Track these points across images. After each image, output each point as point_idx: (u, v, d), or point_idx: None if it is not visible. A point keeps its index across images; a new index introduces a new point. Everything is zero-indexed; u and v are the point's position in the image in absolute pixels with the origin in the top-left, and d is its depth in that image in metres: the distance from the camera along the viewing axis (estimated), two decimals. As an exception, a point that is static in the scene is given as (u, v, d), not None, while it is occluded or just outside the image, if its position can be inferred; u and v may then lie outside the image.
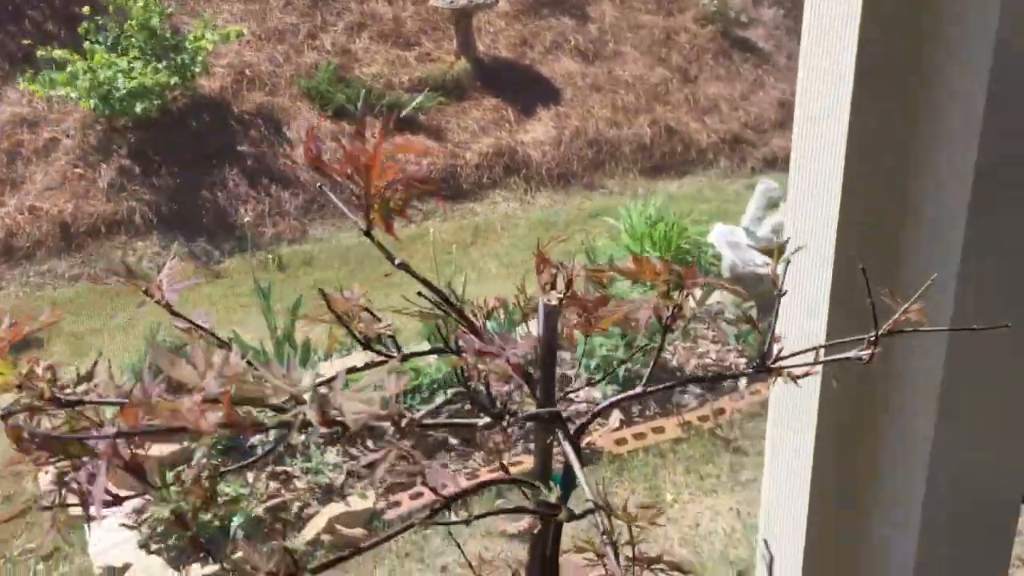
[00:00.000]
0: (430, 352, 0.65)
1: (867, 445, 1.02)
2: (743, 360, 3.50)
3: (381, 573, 2.81)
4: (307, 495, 3.03)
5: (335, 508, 2.98)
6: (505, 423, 0.59)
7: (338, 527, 2.92)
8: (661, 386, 0.63)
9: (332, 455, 3.11)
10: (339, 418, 0.46)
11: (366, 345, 0.64)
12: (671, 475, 3.09)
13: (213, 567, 2.81)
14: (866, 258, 0.96)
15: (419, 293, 0.69)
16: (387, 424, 0.50)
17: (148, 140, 7.45)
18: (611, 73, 9.61)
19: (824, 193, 0.95)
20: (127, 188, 7.12)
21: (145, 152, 7.41)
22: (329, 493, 3.06)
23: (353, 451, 3.10)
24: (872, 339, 0.55)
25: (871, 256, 0.92)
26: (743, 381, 3.45)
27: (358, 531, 2.92)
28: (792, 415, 1.03)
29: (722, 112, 9.43)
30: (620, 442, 3.28)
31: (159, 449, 2.70)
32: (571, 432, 0.64)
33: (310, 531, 2.93)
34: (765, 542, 1.08)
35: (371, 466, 0.57)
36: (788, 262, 0.65)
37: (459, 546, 0.87)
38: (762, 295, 3.58)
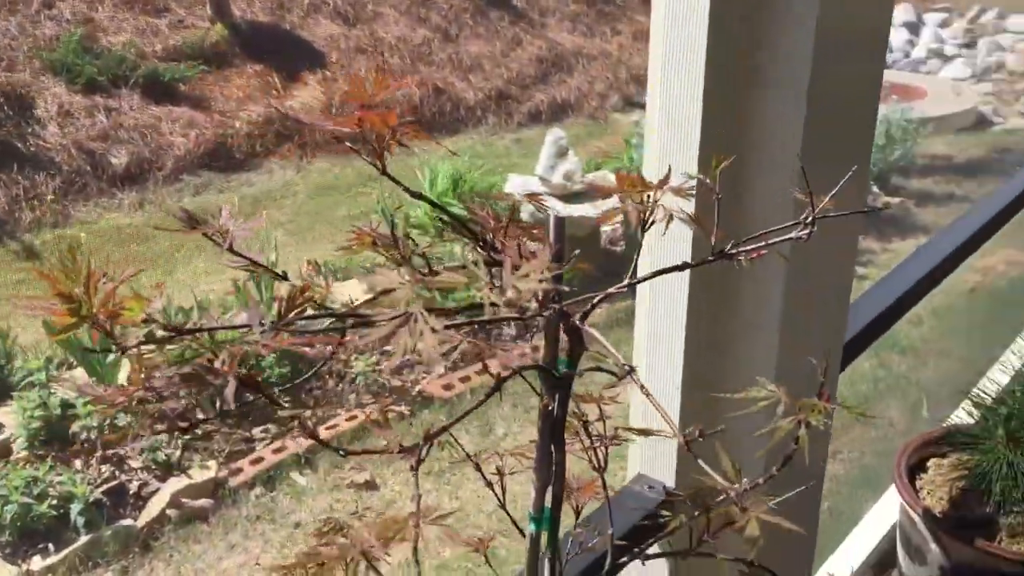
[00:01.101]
0: (459, 267, 0.78)
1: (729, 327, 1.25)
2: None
3: (235, 538, 2.84)
4: (144, 474, 2.99)
5: (177, 483, 2.96)
6: (541, 317, 0.72)
7: (183, 500, 2.91)
8: (650, 273, 0.79)
9: (165, 433, 3.06)
10: (512, 296, 0.57)
11: (406, 262, 0.76)
12: (500, 411, 3.29)
13: (55, 557, 2.73)
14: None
15: (438, 216, 0.80)
16: (533, 304, 0.62)
17: None
18: (373, 35, 9.63)
19: (685, 124, 1.13)
20: None
21: None
22: (166, 470, 3.03)
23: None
24: (809, 221, 0.73)
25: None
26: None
27: (204, 501, 2.92)
28: (664, 318, 1.23)
29: (485, 70, 9.69)
30: (448, 387, 3.45)
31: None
32: (575, 322, 0.78)
33: (155, 507, 2.90)
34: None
35: (445, 355, 0.68)
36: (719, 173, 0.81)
37: (461, 446, 0.99)
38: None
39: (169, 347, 0.69)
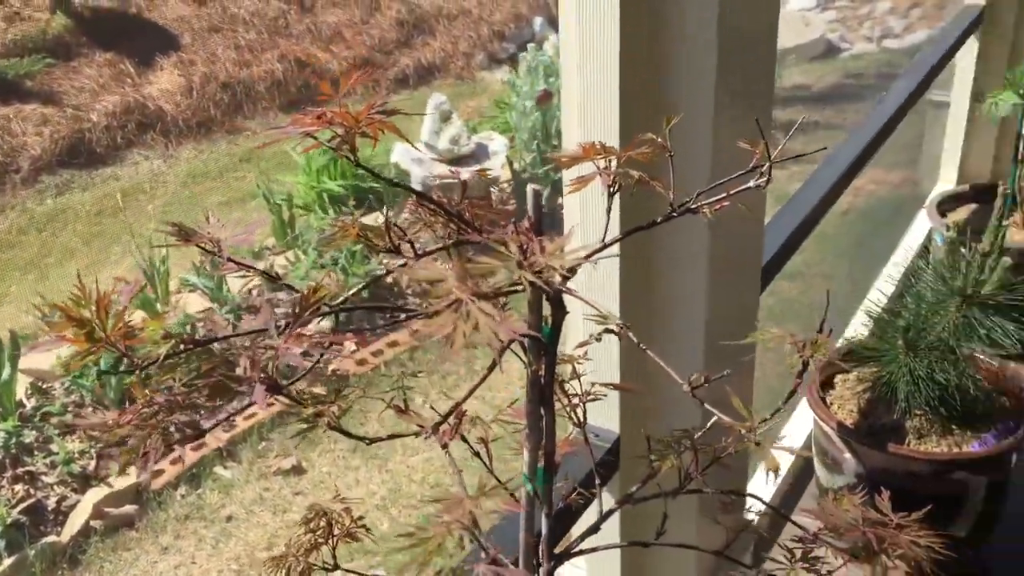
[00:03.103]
0: (442, 249, 0.81)
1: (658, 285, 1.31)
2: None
3: (166, 540, 2.79)
4: (61, 488, 2.90)
5: (98, 492, 2.89)
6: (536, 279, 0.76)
7: (107, 509, 2.84)
8: (625, 232, 0.82)
9: (77, 443, 2.98)
10: (544, 274, 0.60)
11: (394, 250, 0.79)
12: (416, 381, 3.30)
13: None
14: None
15: (413, 193, 0.82)
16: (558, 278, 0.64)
17: None
18: (226, 11, 9.33)
19: (603, 83, 1.17)
20: None
21: None
22: (84, 481, 2.94)
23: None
24: (765, 169, 0.78)
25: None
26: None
27: (129, 508, 2.86)
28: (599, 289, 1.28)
29: (346, 39, 9.52)
30: (361, 362, 3.45)
31: None
32: (558, 289, 0.81)
33: (77, 520, 2.82)
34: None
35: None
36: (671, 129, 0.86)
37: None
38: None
39: (172, 361, 0.70)
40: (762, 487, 2.26)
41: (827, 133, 5.66)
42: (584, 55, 1.15)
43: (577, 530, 1.08)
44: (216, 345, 0.71)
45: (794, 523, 0.91)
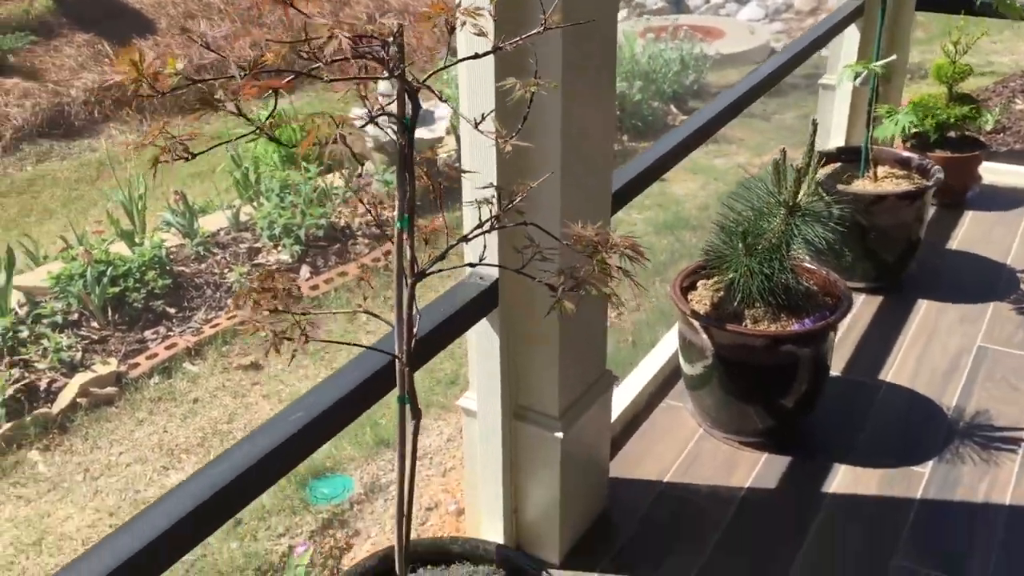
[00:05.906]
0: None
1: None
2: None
3: (142, 415, 3.28)
4: (51, 373, 3.38)
5: (83, 376, 3.37)
6: (396, 75, 1.27)
7: (92, 389, 3.32)
8: (462, 57, 1.35)
9: (65, 339, 3.47)
10: (386, 29, 1.12)
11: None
12: (362, 302, 3.82)
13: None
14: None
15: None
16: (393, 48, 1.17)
17: None
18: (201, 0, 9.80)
19: None
20: None
21: None
22: (71, 368, 3.42)
23: (84, 332, 3.48)
24: (544, 23, 1.30)
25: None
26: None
27: (110, 389, 3.35)
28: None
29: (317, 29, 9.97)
30: (315, 288, 3.97)
31: None
32: (414, 85, 1.33)
33: (66, 397, 3.30)
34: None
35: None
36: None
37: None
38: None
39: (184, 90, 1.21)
40: (642, 374, 2.73)
41: (742, 120, 6.24)
42: None
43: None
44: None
45: (546, 232, 1.43)
